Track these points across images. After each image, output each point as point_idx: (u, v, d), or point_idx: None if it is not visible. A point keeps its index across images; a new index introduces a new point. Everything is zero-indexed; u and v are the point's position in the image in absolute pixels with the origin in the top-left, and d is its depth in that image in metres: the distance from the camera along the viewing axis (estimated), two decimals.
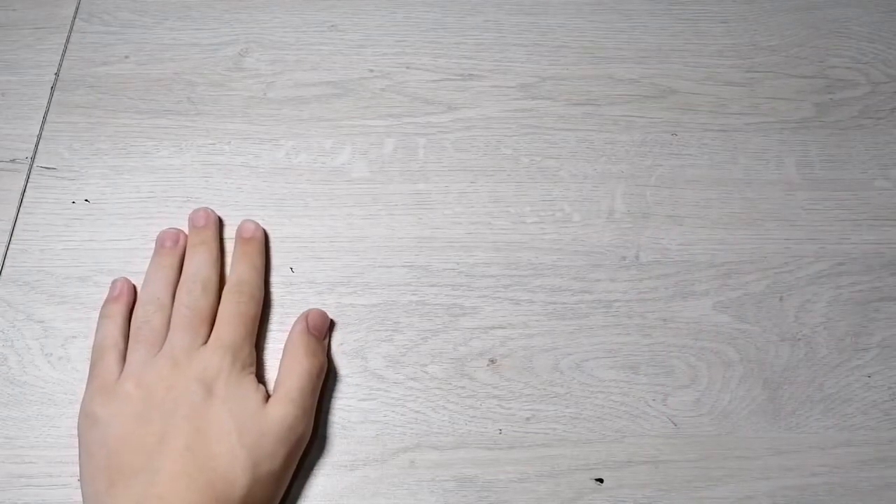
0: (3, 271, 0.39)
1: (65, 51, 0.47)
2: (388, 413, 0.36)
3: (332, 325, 0.38)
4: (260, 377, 0.36)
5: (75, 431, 0.34)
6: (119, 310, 0.36)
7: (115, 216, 0.41)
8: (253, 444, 0.31)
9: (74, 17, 0.48)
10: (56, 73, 0.46)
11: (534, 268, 0.39)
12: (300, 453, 0.34)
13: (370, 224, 0.41)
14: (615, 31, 0.48)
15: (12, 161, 0.43)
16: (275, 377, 0.35)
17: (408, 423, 0.35)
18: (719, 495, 0.34)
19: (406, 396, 0.36)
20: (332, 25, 0.48)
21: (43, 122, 0.44)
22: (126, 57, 0.46)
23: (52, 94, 0.45)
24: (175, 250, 0.38)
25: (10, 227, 0.41)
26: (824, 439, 0.35)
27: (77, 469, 0.33)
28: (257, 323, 0.37)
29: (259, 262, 0.38)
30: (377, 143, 0.43)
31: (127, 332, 0.36)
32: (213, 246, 0.39)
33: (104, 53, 0.46)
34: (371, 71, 0.46)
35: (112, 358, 0.34)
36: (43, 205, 0.41)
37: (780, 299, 0.39)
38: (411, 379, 0.37)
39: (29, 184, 0.42)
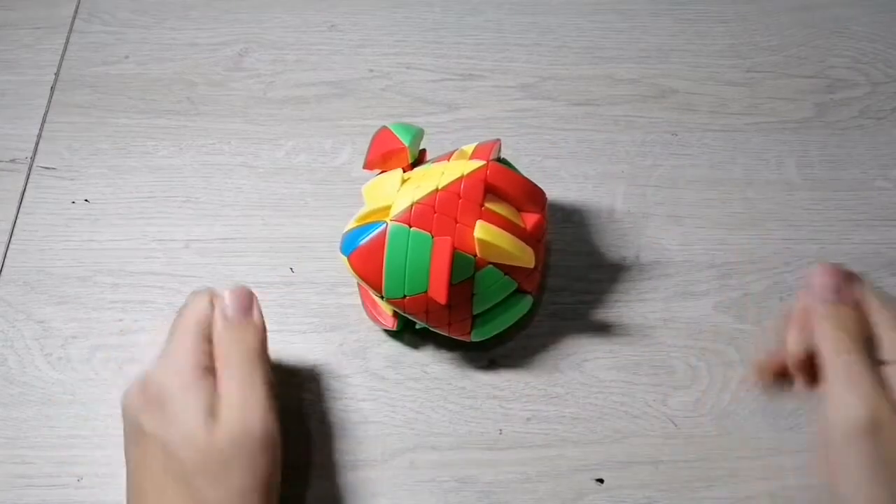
0: (3, 271, 0.39)
1: (65, 51, 0.47)
2: (388, 413, 0.36)
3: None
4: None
5: (75, 431, 0.34)
6: None
7: (115, 216, 0.41)
8: None
9: (74, 17, 0.48)
10: (56, 73, 0.46)
11: None
12: None
13: None
14: (615, 31, 0.48)
15: (12, 161, 0.43)
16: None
17: (408, 423, 0.35)
18: (719, 495, 0.34)
19: (406, 396, 0.36)
20: (332, 25, 0.48)
21: (43, 122, 0.44)
22: (126, 57, 0.46)
23: (51, 94, 0.45)
24: None
25: (10, 227, 0.40)
26: None
27: (78, 470, 0.34)
28: None
29: None
30: None
31: None
32: None
33: (104, 53, 0.46)
34: (371, 71, 0.46)
35: None
36: (43, 205, 0.41)
37: (780, 299, 0.38)
38: (411, 379, 0.36)
39: (29, 184, 0.42)
